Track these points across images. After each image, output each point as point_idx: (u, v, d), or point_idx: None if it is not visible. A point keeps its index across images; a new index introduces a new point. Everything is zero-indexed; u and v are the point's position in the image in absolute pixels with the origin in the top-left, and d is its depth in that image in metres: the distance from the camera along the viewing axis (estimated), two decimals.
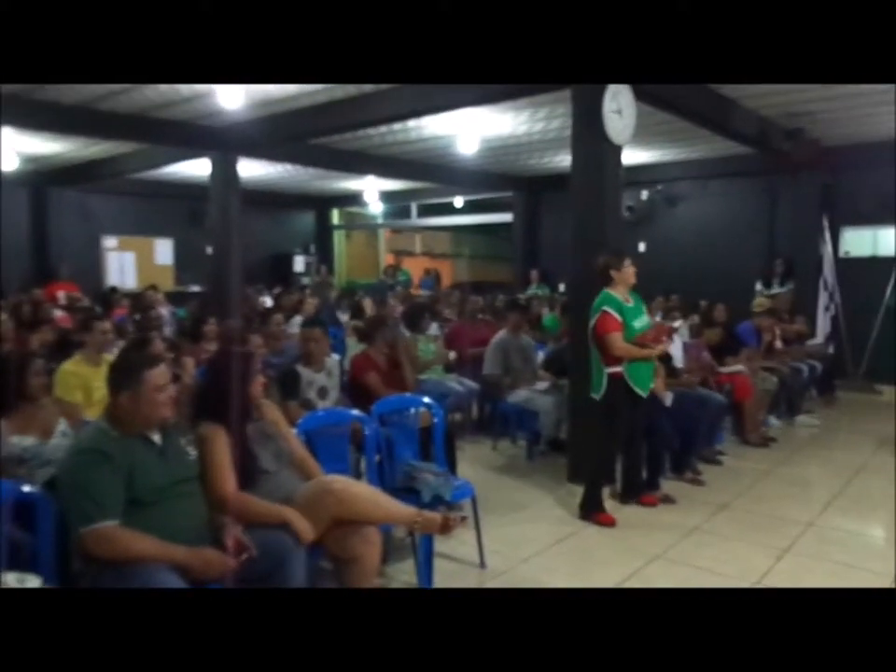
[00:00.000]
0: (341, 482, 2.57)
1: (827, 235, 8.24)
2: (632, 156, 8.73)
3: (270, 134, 6.79)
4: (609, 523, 4.05)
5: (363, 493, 2.53)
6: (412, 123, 6.77)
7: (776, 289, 8.15)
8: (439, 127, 6.99)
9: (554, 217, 10.25)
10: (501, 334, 5.64)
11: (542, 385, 5.42)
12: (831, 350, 8.01)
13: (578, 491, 4.48)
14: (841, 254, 8.48)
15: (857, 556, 3.63)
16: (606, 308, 3.95)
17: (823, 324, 8.17)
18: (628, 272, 4.05)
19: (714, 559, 3.60)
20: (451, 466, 3.91)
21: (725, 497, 4.52)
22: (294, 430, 2.96)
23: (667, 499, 4.42)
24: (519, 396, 5.39)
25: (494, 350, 5.56)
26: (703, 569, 3.48)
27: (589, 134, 4.29)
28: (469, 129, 6.91)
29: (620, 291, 4.04)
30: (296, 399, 3.72)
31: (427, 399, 3.75)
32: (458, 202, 12.13)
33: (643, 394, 4.07)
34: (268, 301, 7.73)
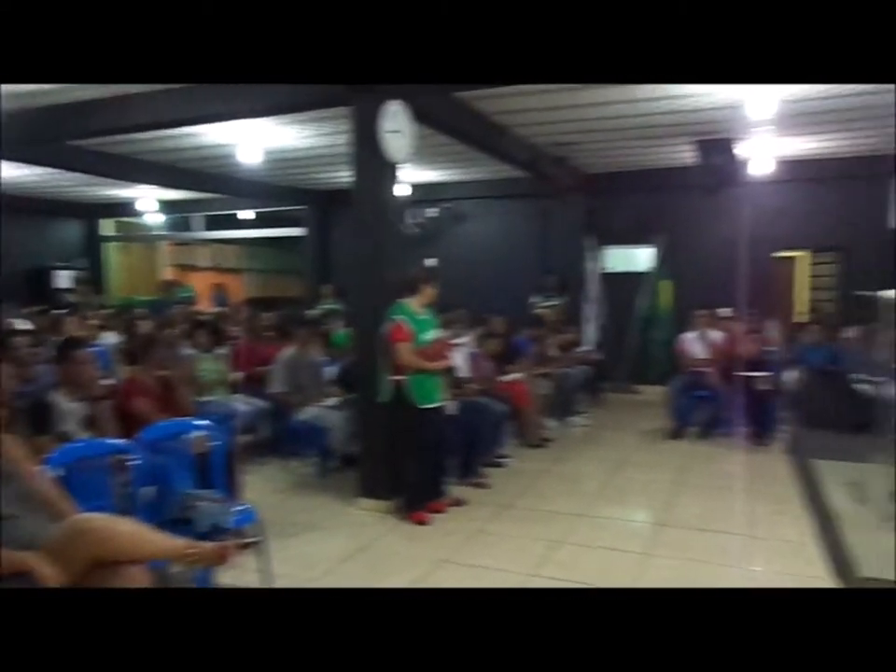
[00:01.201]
0: (98, 520, 2.32)
1: (591, 253, 9.14)
2: (420, 174, 9.03)
3: (21, 132, 6.03)
4: (423, 520, 4.26)
5: (124, 530, 2.31)
6: (188, 130, 6.40)
7: (550, 302, 8.84)
8: (219, 136, 6.69)
9: (347, 231, 10.25)
10: (288, 351, 5.51)
11: (332, 400, 5.37)
12: (598, 356, 8.85)
13: (369, 505, 4.52)
14: (604, 269, 9.43)
15: (621, 540, 4.02)
16: (398, 317, 4.16)
17: (591, 333, 9.03)
18: (431, 290, 4.35)
19: (496, 557, 3.80)
20: (233, 491, 3.72)
21: (508, 498, 4.79)
22: (42, 467, 2.63)
23: (456, 503, 4.58)
24: (309, 413, 5.30)
25: (280, 367, 5.42)
26: (487, 568, 3.65)
27: (368, 153, 4.35)
28: (252, 139, 6.68)
29: (415, 305, 4.27)
30: (48, 432, 3.32)
31: (202, 423, 3.53)
32: (248, 214, 11.70)
33: (425, 405, 4.25)
34: (18, 323, 6.79)
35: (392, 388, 4.22)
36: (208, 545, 2.39)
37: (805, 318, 7.98)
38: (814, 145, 7.28)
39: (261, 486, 4.91)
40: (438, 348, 4.36)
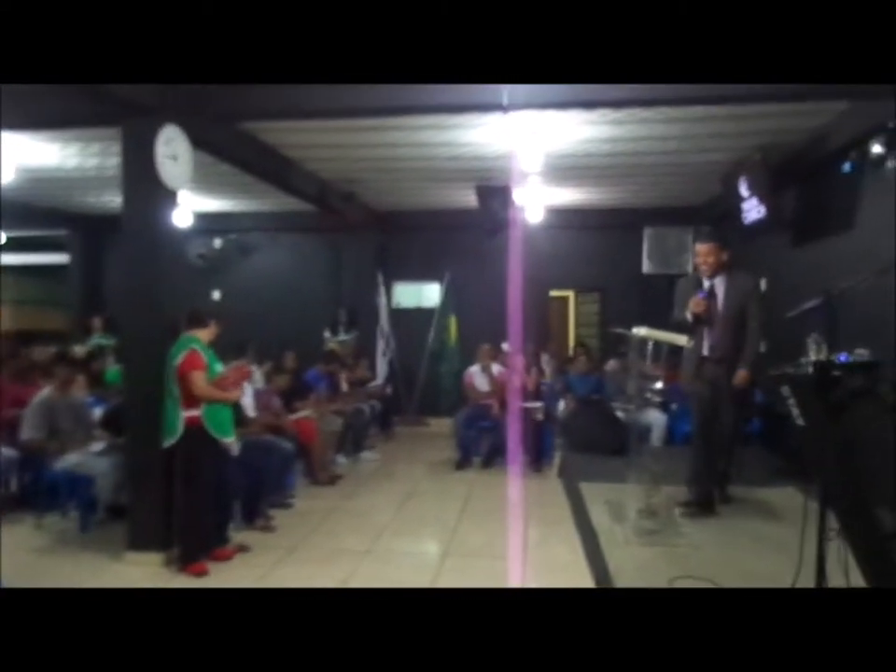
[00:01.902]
0: None
1: (382, 288, 9.32)
2: (203, 203, 8.62)
3: None
4: (202, 571, 3.99)
5: None
6: None
7: (342, 336, 8.84)
8: None
9: (120, 259, 9.46)
10: (44, 392, 4.89)
11: (98, 446, 4.87)
12: (388, 390, 8.98)
13: (140, 559, 4.13)
14: (394, 305, 9.65)
15: (407, 573, 4.04)
16: (194, 347, 4.02)
17: (382, 367, 9.15)
18: (217, 328, 4.28)
19: None
20: None
21: (295, 540, 4.64)
22: None
23: (242, 549, 4.34)
24: (69, 461, 4.74)
25: (34, 411, 4.79)
26: None
27: (141, 177, 4.07)
28: (4, 156, 5.94)
29: (203, 338, 4.18)
30: None
31: None
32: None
33: (222, 439, 4.11)
34: None
35: (182, 426, 3.98)
36: None
37: (572, 352, 8.76)
38: (578, 196, 8.12)
39: (8, 548, 4.27)
40: (235, 376, 4.25)
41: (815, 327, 2.44)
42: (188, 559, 4.06)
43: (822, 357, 2.34)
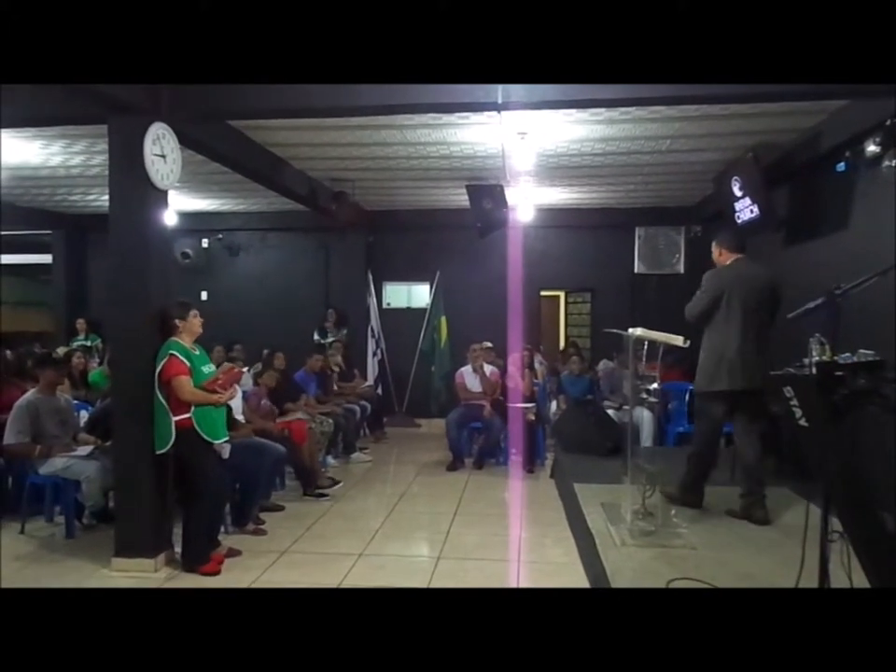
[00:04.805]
0: None
1: (372, 288, 9.26)
2: (191, 202, 8.52)
3: None
4: (214, 571, 4.00)
5: None
6: None
7: (331, 337, 8.76)
8: None
9: (105, 259, 9.33)
10: (29, 395, 4.77)
11: (84, 449, 4.77)
12: (379, 391, 8.92)
13: (128, 565, 4.05)
14: (384, 305, 9.59)
15: (399, 577, 3.99)
16: (173, 352, 3.94)
17: (372, 367, 9.09)
18: (194, 322, 4.13)
19: None
20: None
21: (286, 543, 4.57)
22: None
23: (232, 553, 4.27)
24: (55, 465, 4.64)
25: (18, 414, 4.67)
26: None
27: (128, 176, 3.98)
28: None
29: (185, 340, 4.07)
30: None
31: None
32: None
33: (215, 442, 4.05)
34: None
35: (174, 431, 3.91)
36: None
37: (565, 352, 8.73)
38: (569, 195, 8.10)
39: None
40: (227, 376, 4.17)
41: (813, 327, 2.41)
42: (196, 561, 4.03)
43: (825, 357, 2.30)
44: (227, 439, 4.20)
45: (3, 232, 9.98)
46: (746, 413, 4.31)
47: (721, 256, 4.46)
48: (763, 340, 4.21)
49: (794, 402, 2.40)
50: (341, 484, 5.77)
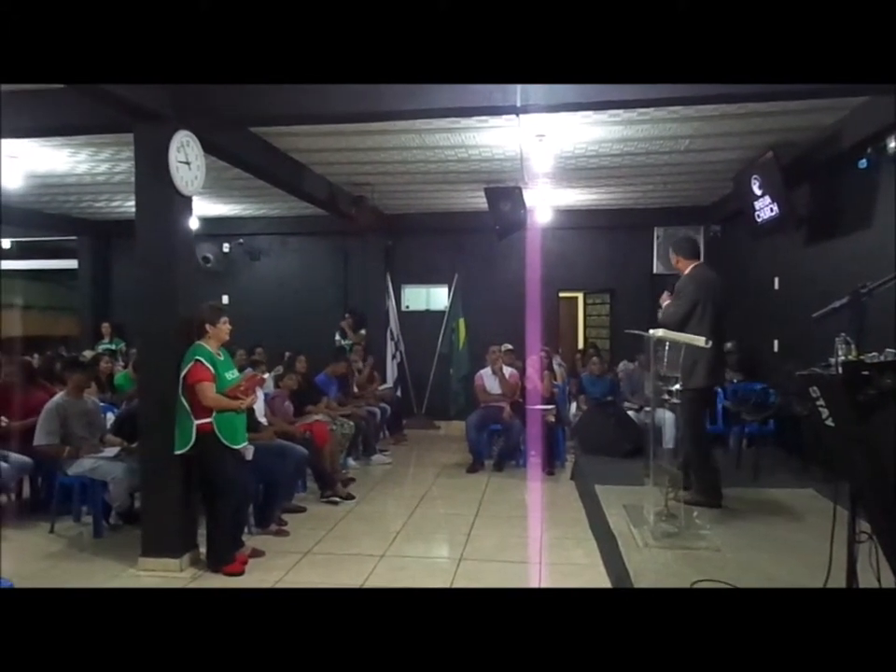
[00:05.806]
0: None
1: (391, 291, 9.30)
2: (212, 208, 8.62)
3: None
4: (239, 571, 4.06)
5: None
6: None
7: (351, 340, 8.80)
8: None
9: (129, 265, 9.47)
10: (57, 398, 4.87)
11: (111, 451, 4.85)
12: (398, 393, 8.95)
13: (154, 564, 4.11)
14: (403, 308, 9.63)
15: (421, 578, 4.00)
16: (198, 358, 3.99)
17: (391, 370, 9.12)
18: (223, 328, 4.19)
19: None
20: None
21: (309, 544, 4.61)
22: None
23: (255, 554, 4.32)
24: (83, 466, 4.73)
25: (47, 417, 4.77)
26: None
27: (154, 183, 4.05)
28: (12, 162, 5.94)
29: (211, 345, 4.12)
30: None
31: None
32: (4, 243, 10.35)
33: (234, 447, 4.09)
34: None
35: (195, 434, 3.96)
36: None
37: (585, 353, 8.71)
38: (587, 196, 8.08)
39: (20, 555, 4.26)
40: (249, 383, 4.22)
41: (839, 327, 2.40)
42: (221, 561, 4.08)
43: (851, 356, 2.29)
44: (246, 443, 4.24)
45: (31, 238, 10.20)
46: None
47: (679, 263, 4.75)
48: (724, 339, 4.69)
49: (821, 402, 2.39)
50: (355, 500, 5.74)
